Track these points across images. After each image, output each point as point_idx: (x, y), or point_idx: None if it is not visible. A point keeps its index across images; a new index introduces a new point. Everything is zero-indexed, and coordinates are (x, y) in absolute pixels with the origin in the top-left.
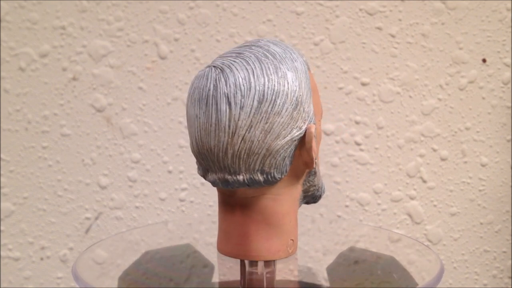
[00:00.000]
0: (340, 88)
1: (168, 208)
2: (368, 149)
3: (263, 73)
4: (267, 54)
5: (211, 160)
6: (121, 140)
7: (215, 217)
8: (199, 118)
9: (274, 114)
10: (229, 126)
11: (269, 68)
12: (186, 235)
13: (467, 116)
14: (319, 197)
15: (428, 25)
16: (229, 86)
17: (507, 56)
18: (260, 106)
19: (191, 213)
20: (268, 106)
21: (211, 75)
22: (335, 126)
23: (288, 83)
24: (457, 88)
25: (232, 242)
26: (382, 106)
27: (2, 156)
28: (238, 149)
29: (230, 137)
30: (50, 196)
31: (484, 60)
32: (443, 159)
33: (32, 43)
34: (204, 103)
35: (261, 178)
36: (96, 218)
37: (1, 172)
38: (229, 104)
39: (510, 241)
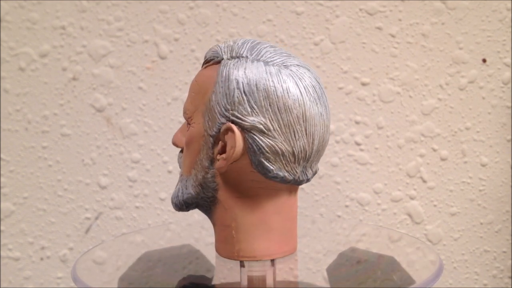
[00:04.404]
0: (340, 88)
1: (168, 208)
2: (368, 149)
3: None
4: None
5: (319, 154)
6: (121, 140)
7: None
8: (323, 115)
9: None
10: (329, 120)
11: None
12: (186, 235)
13: (467, 116)
14: None
15: (428, 25)
16: (323, 84)
17: (507, 56)
18: None
19: (191, 213)
20: None
21: (310, 75)
22: (335, 126)
23: None
24: (457, 88)
25: (291, 238)
26: (382, 106)
27: (2, 156)
28: None
29: (329, 130)
30: (50, 196)
31: (484, 60)
32: (443, 159)
33: (32, 43)
34: (322, 101)
35: None
36: (96, 218)
37: (1, 172)
38: (327, 100)
39: (510, 241)
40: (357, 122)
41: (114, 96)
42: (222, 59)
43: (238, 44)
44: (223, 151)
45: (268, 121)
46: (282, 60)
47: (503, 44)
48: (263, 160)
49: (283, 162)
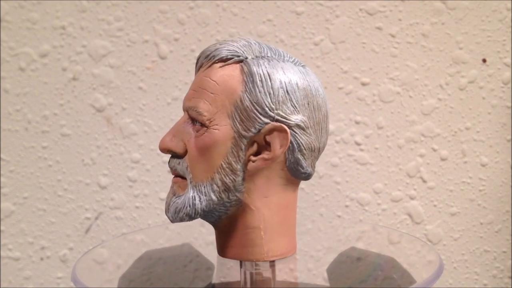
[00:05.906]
0: (340, 88)
1: None
2: (368, 149)
3: None
4: None
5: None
6: (121, 140)
7: None
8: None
9: None
10: None
11: None
12: (186, 234)
13: (467, 116)
14: None
15: (428, 25)
16: None
17: (507, 56)
18: None
19: None
20: None
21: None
22: (335, 126)
23: None
24: (457, 88)
25: (295, 232)
26: (382, 106)
27: (2, 156)
28: None
29: None
30: (50, 196)
31: (484, 60)
32: (443, 159)
33: (32, 43)
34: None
35: None
36: (96, 218)
37: (1, 172)
38: None
39: (510, 241)
40: (357, 122)
41: (114, 96)
42: (246, 58)
43: (255, 43)
44: (258, 151)
45: (306, 118)
46: (298, 61)
47: (503, 44)
48: (300, 157)
49: (311, 158)
